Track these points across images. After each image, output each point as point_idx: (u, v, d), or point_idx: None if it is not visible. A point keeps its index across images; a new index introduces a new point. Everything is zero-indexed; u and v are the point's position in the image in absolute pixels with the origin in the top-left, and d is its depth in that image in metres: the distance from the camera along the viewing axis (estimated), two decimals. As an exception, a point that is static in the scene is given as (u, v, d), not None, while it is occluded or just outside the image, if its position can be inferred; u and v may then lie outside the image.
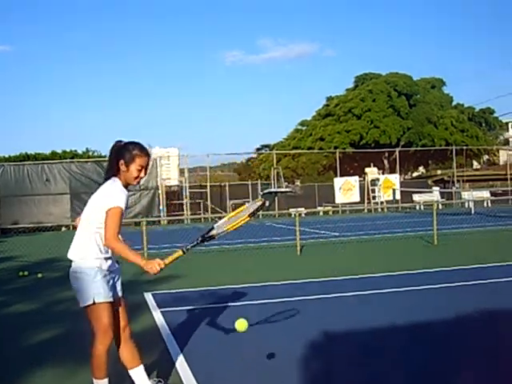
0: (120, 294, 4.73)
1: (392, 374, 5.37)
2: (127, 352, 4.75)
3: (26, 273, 13.08)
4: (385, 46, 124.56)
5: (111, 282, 4.58)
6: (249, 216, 4.68)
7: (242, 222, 4.64)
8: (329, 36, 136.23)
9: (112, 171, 4.60)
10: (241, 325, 4.91)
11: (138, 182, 4.69)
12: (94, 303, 4.44)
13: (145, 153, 4.62)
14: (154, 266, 4.32)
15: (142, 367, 4.79)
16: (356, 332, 6.85)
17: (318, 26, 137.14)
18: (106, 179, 4.62)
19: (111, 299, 4.52)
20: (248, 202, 20.08)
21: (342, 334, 6.78)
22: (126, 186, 4.62)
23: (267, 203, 4.65)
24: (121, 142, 4.69)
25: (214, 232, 4.65)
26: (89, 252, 4.49)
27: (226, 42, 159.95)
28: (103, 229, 4.45)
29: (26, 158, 36.89)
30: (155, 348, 6.33)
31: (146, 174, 4.66)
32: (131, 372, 4.79)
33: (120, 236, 4.54)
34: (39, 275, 12.73)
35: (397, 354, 5.98)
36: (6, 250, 18.38)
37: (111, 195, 4.47)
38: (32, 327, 7.86)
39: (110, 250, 4.54)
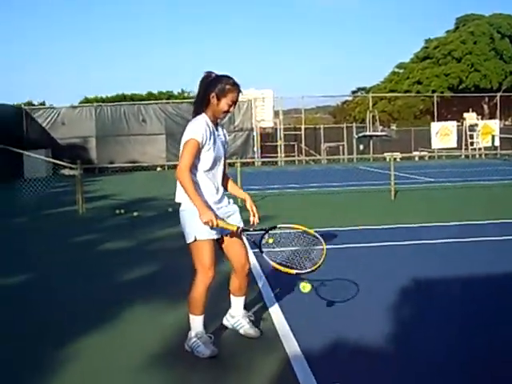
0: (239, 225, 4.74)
1: (482, 324, 5.40)
2: (238, 282, 4.94)
3: (122, 211, 13.44)
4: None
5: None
6: (295, 273, 4.67)
7: (286, 271, 4.61)
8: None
9: (201, 104, 4.68)
10: (305, 287, 4.96)
11: (225, 116, 4.76)
12: (195, 240, 4.61)
13: (237, 87, 4.65)
14: (208, 218, 4.42)
15: (242, 299, 5.03)
16: (448, 280, 6.87)
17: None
18: (194, 115, 4.72)
19: (214, 236, 4.64)
20: (342, 144, 19.90)
21: (435, 281, 6.81)
22: (215, 119, 4.72)
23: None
24: (211, 73, 4.71)
25: (270, 240, 4.73)
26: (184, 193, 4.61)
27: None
28: (197, 166, 4.61)
29: (122, 98, 37.70)
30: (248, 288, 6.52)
31: (234, 109, 4.71)
32: (232, 297, 5.04)
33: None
34: (135, 214, 13.10)
35: (490, 304, 5.98)
36: (103, 189, 18.99)
37: (188, 130, 4.60)
38: (128, 264, 8.16)
39: (216, 188, 4.71)
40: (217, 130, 4.77)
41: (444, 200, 14.50)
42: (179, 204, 4.76)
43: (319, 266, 4.63)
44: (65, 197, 16.86)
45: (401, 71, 62.24)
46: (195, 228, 4.58)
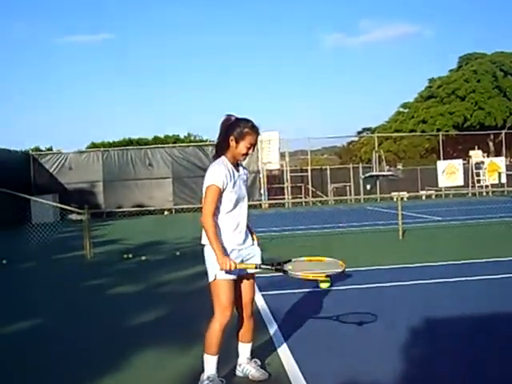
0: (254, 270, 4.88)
1: (493, 363, 5.35)
2: (244, 327, 4.98)
3: (130, 255, 13.41)
4: (490, 24, 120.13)
5: (239, 259, 4.76)
6: (325, 276, 4.75)
7: (316, 278, 4.71)
8: (431, 15, 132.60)
9: (221, 146, 4.80)
10: (324, 284, 4.96)
11: (245, 159, 4.85)
12: (215, 279, 4.68)
13: (255, 130, 4.75)
14: (226, 264, 4.54)
15: (249, 345, 5.03)
16: (459, 320, 6.82)
17: (419, 5, 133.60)
18: (215, 158, 4.85)
19: (234, 277, 4.73)
20: (349, 185, 19.99)
21: (444, 321, 6.76)
22: (235, 161, 4.83)
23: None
24: (231, 116, 4.82)
25: (289, 267, 4.78)
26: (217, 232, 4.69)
27: (325, 24, 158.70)
28: (227, 210, 4.73)
29: (129, 143, 37.92)
30: (257, 331, 6.45)
31: (253, 151, 4.84)
32: (239, 344, 5.06)
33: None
34: (143, 258, 13.07)
35: (501, 344, 5.92)
36: (111, 233, 19.01)
37: (207, 175, 4.71)
38: (136, 309, 8.12)
39: (239, 229, 4.80)
40: (237, 170, 4.85)
41: (452, 239, 14.44)
42: (203, 245, 4.83)
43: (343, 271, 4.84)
44: (72, 242, 16.88)
45: (405, 111, 62.61)
46: (216, 268, 4.66)
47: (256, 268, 4.73)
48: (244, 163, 5.09)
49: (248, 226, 5.03)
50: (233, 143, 4.71)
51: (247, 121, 4.77)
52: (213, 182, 4.65)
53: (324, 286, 4.97)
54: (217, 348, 4.72)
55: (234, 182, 4.75)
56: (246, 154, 4.77)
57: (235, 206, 4.78)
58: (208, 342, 4.73)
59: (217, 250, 4.57)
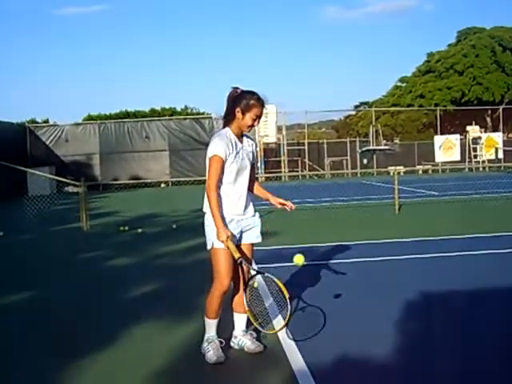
0: (249, 241, 5.03)
1: (491, 338, 5.38)
2: (239, 296, 5.02)
3: (126, 228, 13.46)
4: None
5: (239, 229, 4.88)
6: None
7: (283, 290, 4.66)
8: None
9: (228, 118, 4.89)
10: (298, 259, 5.02)
11: (250, 130, 4.94)
12: (212, 247, 4.79)
13: (261, 102, 4.83)
14: (223, 237, 4.63)
15: (245, 316, 5.04)
16: (457, 294, 6.86)
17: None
18: (224, 127, 4.94)
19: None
20: (346, 159, 20.00)
21: (441, 295, 6.79)
22: (240, 133, 4.91)
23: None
24: (237, 88, 4.90)
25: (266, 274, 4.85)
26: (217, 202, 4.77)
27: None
28: (221, 178, 4.81)
29: (126, 115, 37.65)
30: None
31: (258, 123, 4.91)
32: (234, 315, 5.12)
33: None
34: (139, 230, 13.07)
35: (497, 319, 5.95)
36: (107, 206, 19.03)
37: (210, 146, 4.81)
38: (132, 281, 8.16)
39: (241, 199, 4.88)
40: (241, 141, 4.93)
41: (448, 213, 14.48)
42: (204, 212, 4.93)
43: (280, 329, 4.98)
44: (69, 214, 16.92)
45: (403, 85, 62.36)
46: (213, 236, 4.78)
47: (238, 258, 4.73)
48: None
49: (256, 189, 5.18)
50: (239, 115, 4.79)
51: (253, 93, 4.85)
52: (215, 153, 4.74)
53: (298, 261, 5.06)
54: (216, 313, 4.89)
55: (236, 153, 4.83)
56: (252, 126, 4.86)
57: (236, 176, 4.85)
58: (207, 307, 4.91)
59: (217, 221, 4.66)
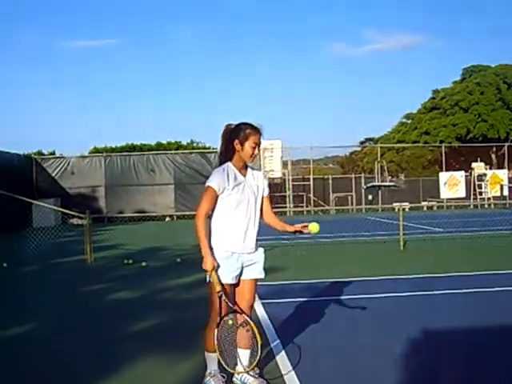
0: (252, 276, 4.97)
1: (492, 375, 5.33)
2: (241, 332, 4.95)
3: (130, 261, 13.42)
4: (494, 36, 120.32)
5: (238, 264, 4.84)
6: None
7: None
8: (435, 27, 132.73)
9: (226, 154, 4.92)
10: (314, 227, 4.96)
11: (253, 160, 4.94)
12: (209, 281, 4.76)
13: (257, 130, 4.90)
14: (207, 267, 4.65)
15: (248, 351, 4.97)
16: (458, 330, 6.80)
17: (424, 16, 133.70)
18: (221, 164, 4.95)
19: (229, 281, 4.79)
20: (351, 195, 19.97)
21: (443, 333, 6.74)
22: (243, 165, 4.94)
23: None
24: (230, 124, 4.98)
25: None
26: (212, 235, 4.85)
27: (330, 34, 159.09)
28: (220, 213, 4.84)
29: (132, 148, 37.82)
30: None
31: (259, 151, 4.94)
32: (238, 351, 5.02)
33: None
34: (143, 264, 13.03)
35: (500, 357, 5.90)
36: (112, 238, 19.00)
37: (209, 178, 4.84)
38: (135, 315, 8.11)
39: (241, 232, 4.85)
40: (245, 174, 4.95)
41: (453, 250, 14.43)
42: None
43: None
44: (73, 246, 16.91)
45: (409, 122, 62.70)
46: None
47: (220, 290, 4.66)
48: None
49: (274, 221, 5.21)
50: (238, 146, 4.84)
51: (247, 123, 4.93)
52: (209, 184, 4.80)
53: (313, 229, 4.99)
54: (213, 346, 4.80)
55: (236, 186, 4.82)
56: (253, 155, 4.88)
57: (236, 209, 4.83)
58: (205, 340, 4.90)
59: (204, 249, 4.67)
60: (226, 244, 4.81)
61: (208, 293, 4.85)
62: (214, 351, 4.82)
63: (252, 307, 5.08)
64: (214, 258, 4.70)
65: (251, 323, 4.71)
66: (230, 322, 4.81)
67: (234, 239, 4.83)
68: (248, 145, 4.83)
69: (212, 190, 4.75)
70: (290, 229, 5.08)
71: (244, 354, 5.00)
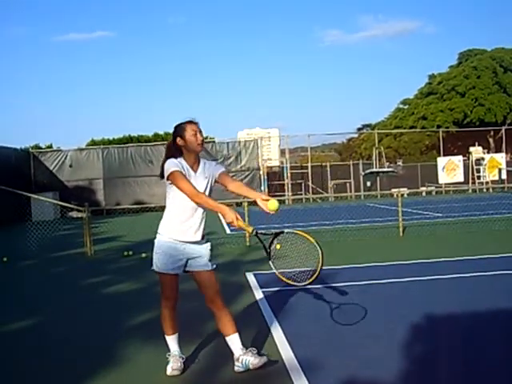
0: (201, 268, 5.15)
1: (496, 359, 5.34)
2: (220, 320, 5.12)
3: (130, 253, 13.45)
4: (490, 20, 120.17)
5: (180, 256, 5.05)
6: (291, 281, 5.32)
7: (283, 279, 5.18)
8: (431, 11, 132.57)
9: (175, 154, 5.03)
10: (272, 204, 4.90)
11: (202, 146, 5.03)
12: (154, 270, 5.20)
13: (191, 121, 5.06)
14: (230, 218, 4.74)
15: (236, 335, 5.08)
16: (460, 315, 6.82)
17: (419, 1, 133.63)
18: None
19: (169, 272, 5.13)
20: (349, 181, 20.03)
21: (444, 317, 6.75)
22: (194, 157, 5.05)
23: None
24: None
25: (277, 246, 5.13)
26: (160, 226, 5.17)
27: (325, 21, 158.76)
28: (168, 202, 5.11)
29: (129, 140, 37.78)
30: (257, 327, 6.48)
31: (202, 137, 5.06)
32: (227, 339, 5.13)
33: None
34: (143, 255, 12.97)
35: (501, 339, 5.91)
36: (111, 230, 18.97)
37: (165, 169, 4.98)
38: (135, 307, 8.13)
39: (189, 224, 5.00)
40: (196, 168, 5.07)
41: (453, 235, 14.44)
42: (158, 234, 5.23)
43: (316, 277, 5.22)
44: (73, 239, 16.91)
45: (405, 107, 62.65)
46: (154, 260, 5.17)
47: (252, 231, 4.93)
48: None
49: (239, 188, 5.19)
50: (181, 142, 5.00)
51: (180, 122, 5.09)
52: (170, 170, 4.90)
53: (272, 207, 4.94)
54: (169, 330, 5.26)
55: (189, 177, 4.96)
56: (198, 142, 4.98)
57: (184, 200, 4.95)
58: (162, 325, 5.29)
59: (221, 208, 4.79)
60: (170, 234, 5.02)
61: (158, 280, 5.19)
62: (170, 334, 5.22)
63: (218, 293, 5.15)
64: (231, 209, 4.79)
65: (297, 231, 5.10)
66: (278, 246, 5.10)
67: (179, 230, 5.01)
68: (188, 134, 4.96)
69: (178, 172, 4.87)
70: (253, 195, 5.04)
71: (233, 339, 5.09)
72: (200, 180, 5.01)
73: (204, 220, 5.10)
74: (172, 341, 5.24)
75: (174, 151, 5.03)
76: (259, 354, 5.11)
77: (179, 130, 5.00)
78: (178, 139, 4.98)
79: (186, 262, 5.09)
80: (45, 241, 16.37)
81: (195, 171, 5.02)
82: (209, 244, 5.19)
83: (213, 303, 5.12)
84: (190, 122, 5.03)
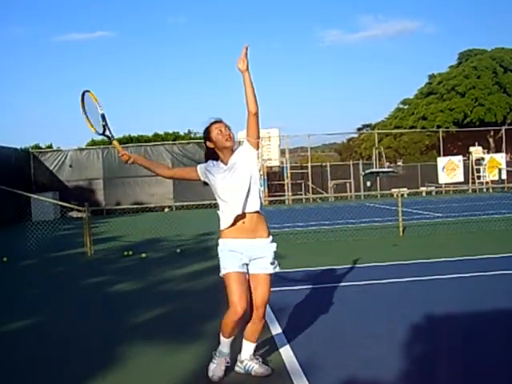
0: (261, 271, 4.97)
1: (496, 359, 5.34)
2: (252, 326, 5.03)
3: (130, 252, 13.43)
4: (490, 20, 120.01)
5: (240, 255, 4.86)
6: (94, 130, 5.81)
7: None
8: (431, 11, 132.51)
9: (210, 157, 5.07)
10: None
11: (231, 143, 4.95)
12: (223, 274, 4.86)
13: (214, 121, 5.04)
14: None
15: (254, 345, 5.08)
16: (460, 315, 6.82)
17: (419, 1, 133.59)
18: None
19: (240, 270, 4.83)
20: (349, 182, 20.10)
21: (445, 317, 6.75)
22: (227, 153, 4.96)
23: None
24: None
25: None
26: (221, 225, 4.96)
27: (325, 21, 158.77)
28: (222, 202, 4.92)
29: (129, 140, 37.73)
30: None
31: (229, 130, 4.97)
32: (244, 341, 5.10)
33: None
34: (143, 255, 13.04)
35: (501, 339, 5.91)
36: (111, 230, 18.97)
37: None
38: (137, 306, 8.11)
39: (238, 218, 4.87)
40: (227, 161, 4.96)
41: (453, 235, 14.44)
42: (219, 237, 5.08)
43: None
44: (73, 239, 16.90)
45: (405, 107, 62.55)
46: (221, 262, 4.90)
47: (111, 138, 5.76)
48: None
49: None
50: (210, 144, 4.99)
51: (206, 126, 5.07)
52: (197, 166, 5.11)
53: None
54: (230, 334, 4.91)
55: (217, 173, 4.93)
56: (225, 137, 4.91)
57: (226, 193, 4.88)
58: (222, 327, 4.91)
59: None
60: (228, 235, 4.90)
61: (224, 285, 4.85)
62: (228, 338, 4.91)
63: (266, 302, 5.05)
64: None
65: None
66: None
67: (235, 230, 4.90)
68: (214, 134, 4.94)
69: (194, 169, 5.08)
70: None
71: (249, 346, 5.07)
72: (235, 169, 4.87)
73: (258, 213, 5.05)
74: (227, 343, 4.96)
75: (209, 156, 5.06)
76: (264, 363, 5.11)
77: (206, 133, 5.01)
78: (208, 143, 5.00)
79: (248, 263, 4.96)
80: (45, 241, 16.36)
81: (226, 163, 4.95)
82: (275, 244, 5.26)
83: (257, 310, 4.99)
84: (214, 122, 5.02)
